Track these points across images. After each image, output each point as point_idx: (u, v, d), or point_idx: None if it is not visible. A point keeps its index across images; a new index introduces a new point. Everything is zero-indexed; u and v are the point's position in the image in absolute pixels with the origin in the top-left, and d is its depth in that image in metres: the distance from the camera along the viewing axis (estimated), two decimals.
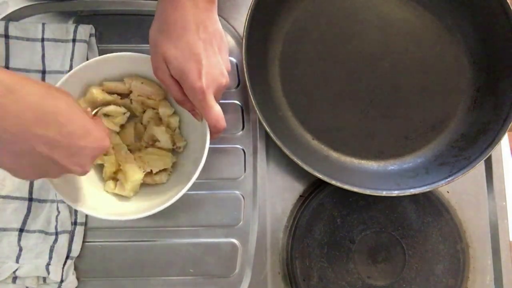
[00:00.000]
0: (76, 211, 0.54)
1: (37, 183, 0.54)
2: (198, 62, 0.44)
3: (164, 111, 0.53)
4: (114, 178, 0.53)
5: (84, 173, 0.42)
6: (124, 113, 0.53)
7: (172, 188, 0.51)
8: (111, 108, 0.52)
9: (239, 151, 0.58)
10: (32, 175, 0.40)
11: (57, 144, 0.37)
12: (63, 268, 0.52)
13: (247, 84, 0.53)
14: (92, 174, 0.53)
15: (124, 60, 0.51)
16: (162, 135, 0.53)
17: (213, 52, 0.45)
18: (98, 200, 0.51)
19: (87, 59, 0.57)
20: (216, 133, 0.48)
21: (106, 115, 0.52)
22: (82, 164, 0.41)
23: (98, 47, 0.58)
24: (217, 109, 0.46)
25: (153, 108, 0.54)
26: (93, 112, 0.52)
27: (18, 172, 0.39)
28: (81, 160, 0.40)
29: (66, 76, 0.49)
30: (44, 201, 0.54)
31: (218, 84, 0.46)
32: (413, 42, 0.60)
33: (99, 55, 0.57)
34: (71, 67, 0.56)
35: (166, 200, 0.48)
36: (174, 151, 0.55)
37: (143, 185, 0.53)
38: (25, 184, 0.54)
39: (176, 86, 0.46)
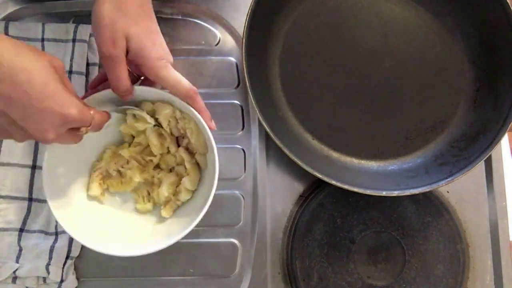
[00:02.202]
0: None
1: (37, 183, 0.54)
2: (155, 40, 0.46)
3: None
4: (101, 183, 0.52)
5: (46, 140, 0.39)
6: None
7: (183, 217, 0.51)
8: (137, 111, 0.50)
9: (239, 151, 0.58)
10: None
11: (11, 102, 0.36)
12: (63, 268, 0.52)
13: (247, 84, 0.53)
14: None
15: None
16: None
17: (160, 32, 0.48)
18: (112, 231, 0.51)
19: (87, 59, 0.57)
20: (190, 98, 0.48)
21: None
22: (42, 130, 0.38)
23: None
24: (173, 74, 0.47)
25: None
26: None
27: None
28: (41, 125, 0.38)
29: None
30: (44, 201, 0.54)
31: (170, 60, 0.47)
32: (413, 42, 0.59)
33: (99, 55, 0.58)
34: (71, 67, 0.56)
35: (179, 230, 0.48)
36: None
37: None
38: (25, 184, 0.54)
39: (124, 63, 0.46)
